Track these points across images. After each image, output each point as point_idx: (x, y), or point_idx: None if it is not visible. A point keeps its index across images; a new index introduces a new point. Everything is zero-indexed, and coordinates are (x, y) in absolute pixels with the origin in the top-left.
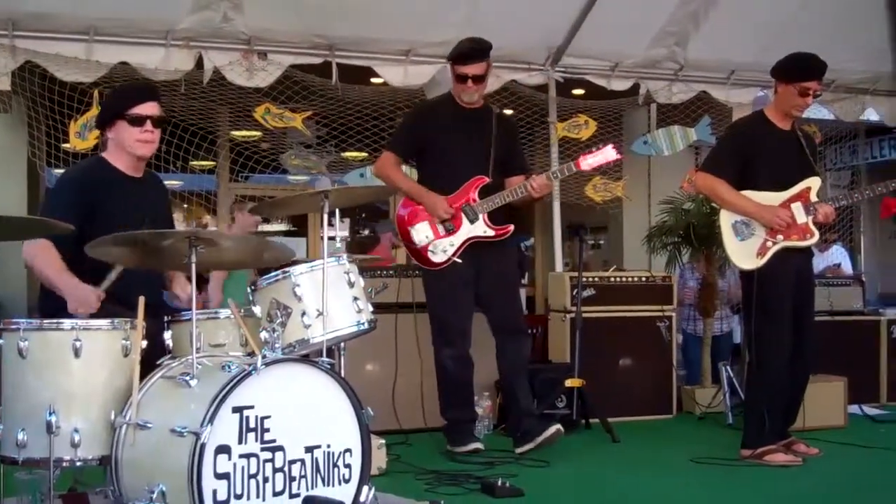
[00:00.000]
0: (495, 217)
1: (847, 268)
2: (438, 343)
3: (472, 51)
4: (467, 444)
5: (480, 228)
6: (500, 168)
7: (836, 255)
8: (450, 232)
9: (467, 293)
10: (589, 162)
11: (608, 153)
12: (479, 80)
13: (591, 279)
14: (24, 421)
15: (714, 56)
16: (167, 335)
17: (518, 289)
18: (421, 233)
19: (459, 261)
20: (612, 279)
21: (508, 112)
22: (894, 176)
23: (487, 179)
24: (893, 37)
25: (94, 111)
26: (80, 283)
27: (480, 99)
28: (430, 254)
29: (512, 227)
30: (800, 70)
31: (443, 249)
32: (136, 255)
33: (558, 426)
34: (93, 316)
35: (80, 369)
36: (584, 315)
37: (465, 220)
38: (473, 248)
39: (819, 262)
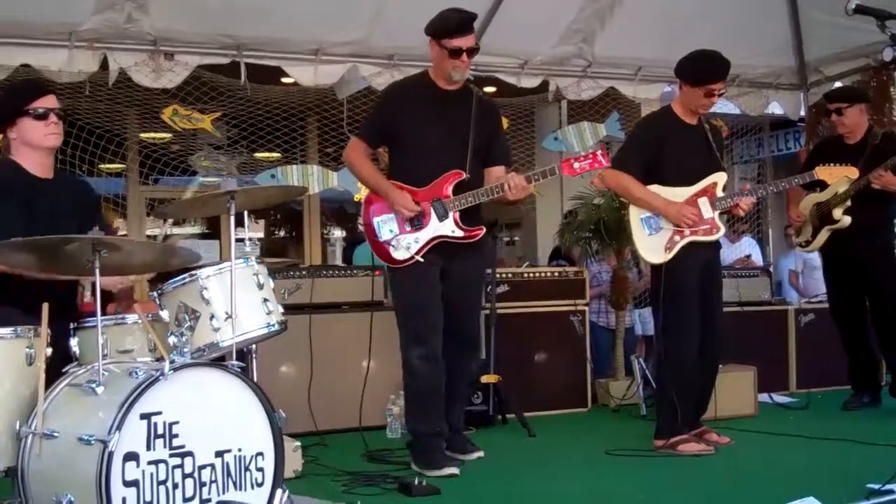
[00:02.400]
0: (467, 217)
1: (758, 259)
2: (407, 342)
3: (464, 21)
4: (441, 467)
5: (448, 227)
6: (480, 159)
7: (747, 247)
8: (416, 228)
9: (436, 289)
10: (574, 167)
11: (597, 158)
12: (474, 52)
13: (504, 275)
14: None
15: (621, 53)
16: (73, 342)
17: (481, 301)
18: (385, 227)
19: (422, 260)
20: (526, 275)
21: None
22: (798, 168)
23: (464, 175)
24: (795, 32)
25: None
26: None
27: (462, 78)
28: (391, 249)
29: (483, 230)
30: (704, 72)
31: (406, 246)
32: (40, 261)
33: (481, 453)
34: None
35: None
36: (499, 311)
37: (433, 217)
38: (441, 247)
39: (730, 254)
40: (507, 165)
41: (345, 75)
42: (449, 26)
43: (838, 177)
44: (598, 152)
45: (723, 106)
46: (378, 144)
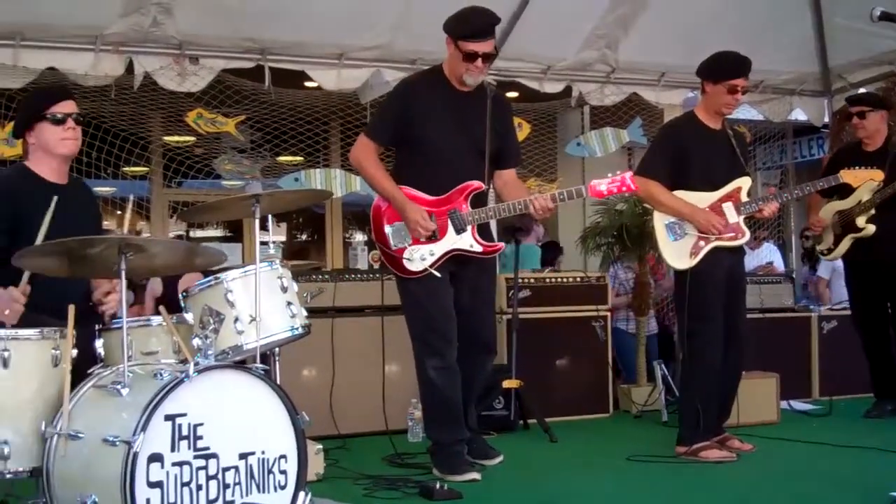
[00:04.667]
0: (481, 228)
1: (779, 265)
2: (422, 354)
3: (487, 26)
4: (462, 472)
5: (467, 241)
6: (494, 161)
7: (768, 253)
8: (432, 239)
9: (449, 297)
10: (602, 189)
11: (626, 181)
12: (490, 58)
13: (526, 280)
14: None
15: (644, 58)
16: (98, 343)
17: (494, 303)
18: (399, 234)
19: (438, 274)
20: (548, 280)
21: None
22: (821, 174)
23: (483, 187)
24: (819, 38)
25: None
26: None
27: (476, 84)
28: (405, 260)
29: (503, 246)
30: (726, 69)
31: (421, 257)
32: (64, 265)
33: (501, 458)
34: (21, 325)
35: (8, 380)
36: (521, 316)
37: (450, 229)
38: (454, 259)
39: (751, 261)
40: (517, 167)
41: (368, 80)
42: (467, 29)
43: (863, 180)
44: (627, 175)
45: (746, 112)
46: (390, 144)
